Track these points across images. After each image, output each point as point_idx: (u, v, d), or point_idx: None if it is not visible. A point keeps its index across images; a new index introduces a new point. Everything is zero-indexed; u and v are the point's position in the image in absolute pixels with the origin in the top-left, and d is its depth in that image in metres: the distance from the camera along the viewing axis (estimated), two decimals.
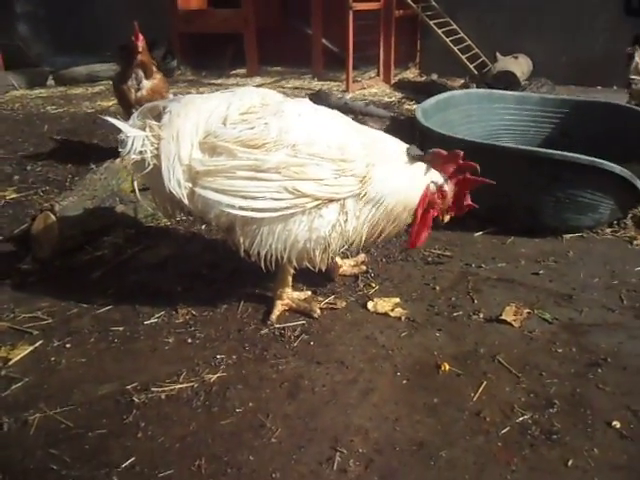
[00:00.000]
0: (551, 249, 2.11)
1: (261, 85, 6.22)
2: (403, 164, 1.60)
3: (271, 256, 1.55)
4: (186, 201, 1.51)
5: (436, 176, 1.61)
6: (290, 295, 1.73)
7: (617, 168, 2.05)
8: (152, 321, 1.67)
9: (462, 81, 5.82)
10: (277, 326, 1.64)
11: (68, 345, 1.57)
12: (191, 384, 1.40)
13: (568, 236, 2.20)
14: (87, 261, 2.04)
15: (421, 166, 1.60)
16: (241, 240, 1.54)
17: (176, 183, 1.48)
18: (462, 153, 1.58)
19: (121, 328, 1.64)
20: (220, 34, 6.66)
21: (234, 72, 6.99)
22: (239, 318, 1.69)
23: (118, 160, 2.25)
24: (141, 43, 2.86)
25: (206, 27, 6.68)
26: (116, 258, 2.05)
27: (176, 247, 2.15)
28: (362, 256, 2.00)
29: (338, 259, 1.89)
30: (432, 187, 1.60)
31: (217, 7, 6.88)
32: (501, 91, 3.36)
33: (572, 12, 5.98)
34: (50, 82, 6.39)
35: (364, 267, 1.95)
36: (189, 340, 1.58)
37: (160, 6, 7.08)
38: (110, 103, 5.17)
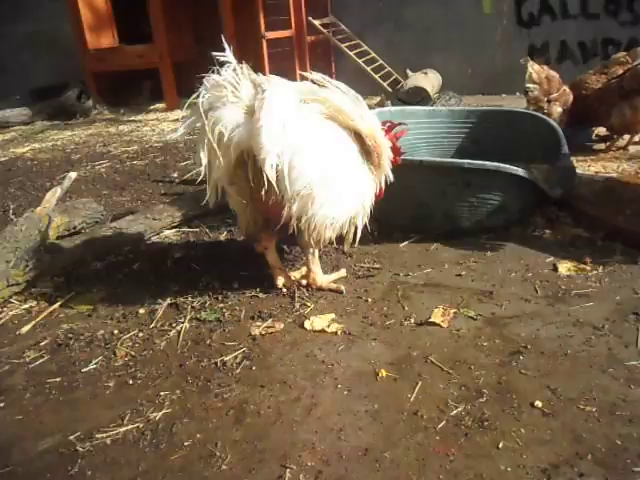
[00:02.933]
0: (471, 251, 2.26)
1: (183, 117, 6.21)
2: None
3: (331, 225, 1.78)
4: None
5: None
6: (323, 278, 1.99)
7: (520, 170, 2.23)
8: (90, 368, 1.65)
9: (378, 98, 6.08)
10: (218, 358, 1.66)
11: (1, 404, 1.52)
12: (136, 425, 1.40)
13: (485, 236, 2.36)
14: (15, 316, 1.98)
15: None
16: (310, 212, 1.71)
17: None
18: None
19: (58, 379, 1.61)
20: (135, 70, 6.62)
21: (153, 107, 6.95)
22: (179, 353, 1.70)
23: (38, 209, 2.21)
24: None
25: (119, 64, 6.62)
26: (46, 309, 2.00)
27: (108, 290, 2.12)
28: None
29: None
30: None
31: (129, 44, 6.84)
32: (412, 107, 3.56)
33: (472, 28, 6.42)
34: None
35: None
36: (130, 381, 1.57)
37: (69, 46, 6.95)
38: (25, 149, 5.01)
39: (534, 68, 3.49)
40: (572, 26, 6.07)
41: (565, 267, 2.07)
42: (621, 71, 3.66)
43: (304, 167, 1.66)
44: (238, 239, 2.54)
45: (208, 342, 1.74)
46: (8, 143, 5.47)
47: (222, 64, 1.69)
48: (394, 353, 1.62)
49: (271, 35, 5.68)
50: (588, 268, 2.04)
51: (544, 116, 3.16)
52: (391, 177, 1.93)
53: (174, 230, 2.66)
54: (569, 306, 1.80)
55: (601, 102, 3.43)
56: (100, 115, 6.73)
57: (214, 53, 1.69)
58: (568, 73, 4.26)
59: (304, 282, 2.03)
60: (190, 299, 2.00)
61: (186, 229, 2.68)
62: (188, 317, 1.89)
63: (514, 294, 1.91)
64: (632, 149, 3.46)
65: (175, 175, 3.77)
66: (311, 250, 1.96)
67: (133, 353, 1.71)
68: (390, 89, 6.15)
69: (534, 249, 2.23)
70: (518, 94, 6.37)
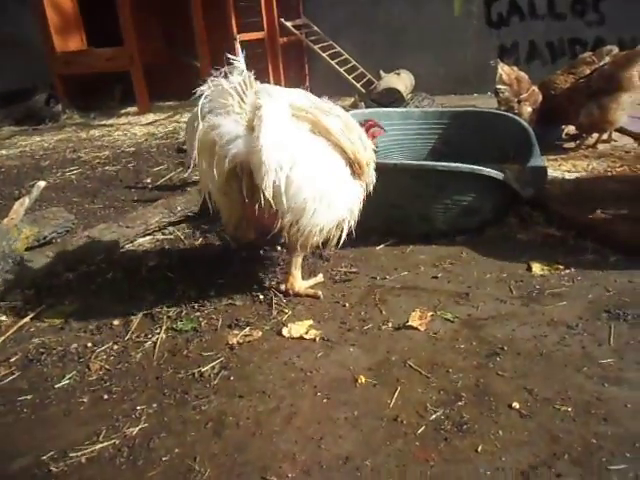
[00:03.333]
0: (446, 253, 2.27)
1: (155, 121, 6.14)
2: None
3: (320, 232, 1.80)
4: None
5: None
6: (301, 284, 1.99)
7: (493, 172, 2.26)
8: (63, 383, 1.61)
9: (352, 99, 6.10)
10: (195, 368, 1.64)
11: None
12: (112, 441, 1.37)
13: (460, 238, 2.38)
14: None
15: None
16: (297, 217, 1.71)
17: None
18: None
19: (29, 396, 1.56)
20: (106, 73, 6.51)
21: (125, 111, 6.84)
22: (155, 365, 1.67)
23: (6, 220, 2.15)
24: None
25: (89, 67, 6.50)
26: (16, 323, 1.95)
27: (80, 302, 2.08)
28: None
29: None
30: None
31: (98, 46, 6.72)
32: (385, 109, 3.57)
33: (444, 29, 6.48)
34: None
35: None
36: (105, 396, 1.54)
37: (36, 49, 6.80)
38: None
39: (504, 69, 3.54)
40: (540, 26, 6.18)
41: (539, 267, 2.10)
42: (588, 71, 3.74)
43: (301, 183, 1.66)
44: (214, 244, 2.52)
45: (185, 353, 1.72)
46: None
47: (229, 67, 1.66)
48: (372, 358, 1.62)
49: (244, 37, 5.64)
50: (561, 267, 2.07)
51: (515, 116, 3.21)
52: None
53: (148, 238, 2.62)
54: (543, 306, 1.83)
55: (570, 102, 3.50)
56: (70, 120, 6.59)
57: (229, 56, 1.66)
58: (537, 73, 4.34)
59: (282, 287, 2.01)
60: (166, 309, 1.97)
61: (160, 236, 2.64)
62: (164, 327, 1.86)
63: (489, 295, 1.93)
64: (601, 147, 3.53)
65: (148, 181, 3.71)
66: (296, 254, 1.96)
67: (108, 366, 1.67)
68: (364, 90, 6.16)
69: (508, 250, 2.26)
70: (489, 94, 6.43)
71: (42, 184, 2.41)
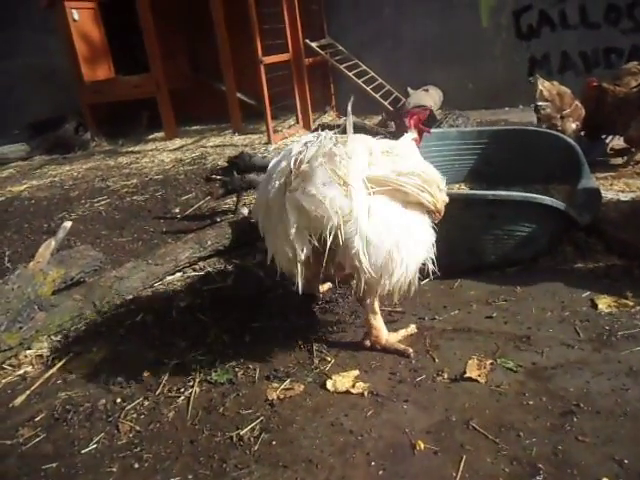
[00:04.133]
0: (499, 287, 2.09)
1: (182, 146, 6.11)
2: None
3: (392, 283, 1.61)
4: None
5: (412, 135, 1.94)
6: (391, 337, 1.78)
7: (548, 200, 2.07)
8: (90, 448, 1.48)
9: (379, 118, 5.98)
10: (233, 431, 1.49)
11: None
12: None
13: (512, 270, 2.19)
14: (8, 384, 1.81)
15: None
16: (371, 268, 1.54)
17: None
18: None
19: (54, 464, 1.43)
20: (133, 100, 6.54)
21: (152, 137, 6.85)
22: (190, 426, 1.53)
23: (32, 264, 2.06)
24: None
25: (116, 95, 6.54)
26: (42, 375, 1.84)
27: (109, 348, 1.96)
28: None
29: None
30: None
31: (125, 74, 6.76)
32: None
33: (471, 42, 6.33)
34: None
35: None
36: (136, 465, 1.40)
37: (66, 79, 6.88)
38: (22, 187, 4.88)
39: (544, 85, 3.36)
40: (573, 36, 5.98)
41: (605, 303, 1.90)
42: (634, 82, 3.54)
43: (382, 244, 1.53)
44: (248, 281, 2.38)
45: (221, 410, 1.57)
46: (5, 181, 5.35)
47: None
48: (430, 418, 1.45)
49: (268, 60, 5.57)
50: (630, 303, 1.87)
51: (559, 133, 3.03)
52: None
53: (178, 275, 2.51)
54: (618, 351, 1.63)
55: (619, 113, 3.29)
56: (99, 147, 6.62)
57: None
58: (571, 83, 4.12)
59: (367, 343, 1.80)
60: (199, 357, 1.83)
61: (191, 273, 2.52)
62: (197, 379, 1.72)
63: (554, 338, 1.74)
64: None
65: (177, 210, 3.62)
66: (369, 302, 1.75)
67: (138, 427, 1.53)
68: (391, 108, 6.03)
69: (567, 282, 2.07)
70: (521, 107, 6.27)
71: (68, 225, 2.32)
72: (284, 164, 1.55)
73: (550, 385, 1.52)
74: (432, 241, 1.71)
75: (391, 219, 1.56)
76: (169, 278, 2.47)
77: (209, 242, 2.58)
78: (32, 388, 1.78)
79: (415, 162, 1.71)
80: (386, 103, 6.12)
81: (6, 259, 2.97)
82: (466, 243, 2.15)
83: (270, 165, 1.68)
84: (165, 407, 1.61)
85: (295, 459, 1.36)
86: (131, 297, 2.28)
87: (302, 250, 1.49)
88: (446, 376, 1.61)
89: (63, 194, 4.42)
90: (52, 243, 2.15)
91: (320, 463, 1.34)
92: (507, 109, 6.29)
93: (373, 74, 6.66)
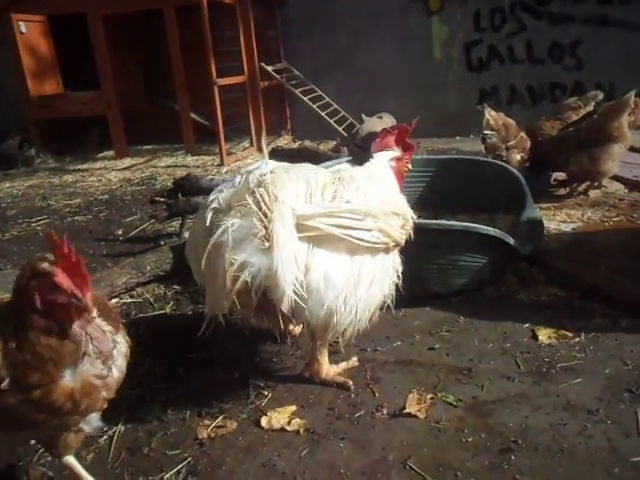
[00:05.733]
0: (442, 317, 2.07)
1: (132, 165, 5.94)
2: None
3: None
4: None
5: (390, 154, 1.83)
6: (329, 370, 1.70)
7: (491, 230, 2.08)
8: None
9: (334, 143, 6.01)
10: (157, 474, 1.38)
11: None
12: None
13: (457, 299, 2.18)
14: None
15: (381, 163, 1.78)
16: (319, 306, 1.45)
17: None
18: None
19: None
20: (82, 117, 6.34)
21: (102, 155, 6.66)
22: (110, 469, 1.40)
23: None
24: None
25: (64, 111, 6.33)
26: None
27: None
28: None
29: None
30: (393, 164, 1.82)
31: (74, 90, 6.57)
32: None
33: (424, 72, 6.48)
34: None
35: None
36: None
37: (12, 94, 6.62)
38: None
39: (491, 115, 3.44)
40: (520, 70, 6.21)
41: (545, 334, 1.90)
42: (575, 116, 3.67)
43: (322, 299, 1.45)
44: (187, 309, 2.28)
45: (146, 451, 1.46)
46: None
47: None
48: (367, 457, 1.38)
49: (223, 82, 5.52)
50: (570, 334, 1.88)
51: (505, 164, 3.08)
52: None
53: (114, 300, 2.38)
54: (556, 384, 1.62)
55: (558, 151, 3.39)
56: (44, 164, 6.38)
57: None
58: (519, 116, 4.25)
59: (306, 374, 1.72)
60: (128, 391, 1.71)
61: (127, 299, 2.40)
62: (123, 416, 1.60)
63: (494, 370, 1.72)
64: (592, 194, 3.42)
65: (119, 232, 3.48)
66: (319, 343, 1.67)
67: (51, 473, 1.40)
68: (345, 133, 6.07)
69: (509, 313, 2.07)
70: (472, 136, 6.44)
71: None
72: (210, 210, 1.47)
73: (490, 420, 1.49)
74: (396, 273, 1.67)
75: (332, 272, 1.44)
76: None
77: (148, 267, 2.47)
78: None
79: (373, 193, 1.61)
80: (340, 129, 6.17)
81: None
82: (411, 272, 2.12)
83: (202, 204, 1.58)
84: (84, 448, 1.49)
85: None
86: None
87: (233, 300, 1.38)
88: (385, 411, 1.55)
89: None
90: None
91: None
92: (458, 138, 6.45)
93: (328, 99, 6.71)
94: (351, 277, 1.51)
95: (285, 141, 6.93)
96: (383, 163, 1.80)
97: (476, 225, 2.07)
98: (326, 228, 1.44)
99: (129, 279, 2.40)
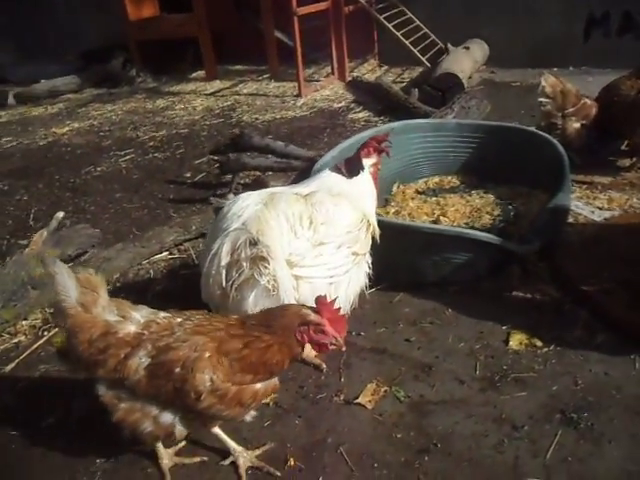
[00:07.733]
0: (431, 307, 2.26)
1: (219, 90, 6.27)
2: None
3: None
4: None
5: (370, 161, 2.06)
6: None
7: (484, 236, 2.17)
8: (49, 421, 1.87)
9: (421, 69, 5.92)
10: None
11: None
12: None
13: (453, 289, 2.33)
14: (4, 350, 2.22)
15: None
16: None
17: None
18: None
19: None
20: (178, 38, 6.67)
21: (194, 75, 7.04)
22: None
23: (27, 250, 2.42)
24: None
25: (161, 33, 6.70)
26: (32, 344, 2.24)
27: None
28: None
29: None
30: (372, 169, 2.06)
31: (170, 12, 6.85)
32: (417, 120, 3.44)
33: None
34: (11, 101, 6.47)
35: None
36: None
37: (118, 10, 7.05)
38: (64, 129, 5.28)
39: (548, 81, 3.25)
40: None
41: (517, 340, 2.05)
42: None
43: (311, 300, 1.70)
44: None
45: None
46: (53, 118, 5.77)
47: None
48: (311, 436, 1.72)
49: (304, 10, 5.49)
50: (539, 344, 2.01)
51: (552, 139, 2.98)
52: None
53: (164, 254, 2.82)
54: (500, 395, 1.81)
55: (626, 117, 3.17)
56: (144, 84, 6.90)
57: None
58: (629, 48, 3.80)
59: None
60: None
61: (175, 254, 2.83)
62: None
63: (452, 372, 1.92)
64: None
65: (188, 175, 3.90)
66: None
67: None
68: (429, 64, 5.87)
69: (495, 311, 2.19)
70: (571, 68, 5.95)
71: (60, 215, 2.65)
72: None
73: (424, 421, 1.74)
74: (367, 265, 1.99)
75: (317, 286, 1.76)
76: (155, 258, 2.79)
77: (194, 227, 2.85)
78: (22, 357, 2.18)
79: (340, 217, 1.87)
80: (424, 59, 5.95)
81: (31, 217, 3.40)
82: (406, 263, 2.31)
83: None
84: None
85: None
86: (118, 275, 2.62)
87: None
88: (342, 397, 1.86)
89: (96, 144, 4.78)
90: (44, 233, 2.50)
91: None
92: (555, 70, 5.97)
93: (418, 23, 6.42)
94: (332, 285, 1.83)
95: (370, 67, 6.83)
96: (366, 176, 1.97)
97: (469, 231, 2.17)
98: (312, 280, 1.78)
99: (177, 237, 2.81)
